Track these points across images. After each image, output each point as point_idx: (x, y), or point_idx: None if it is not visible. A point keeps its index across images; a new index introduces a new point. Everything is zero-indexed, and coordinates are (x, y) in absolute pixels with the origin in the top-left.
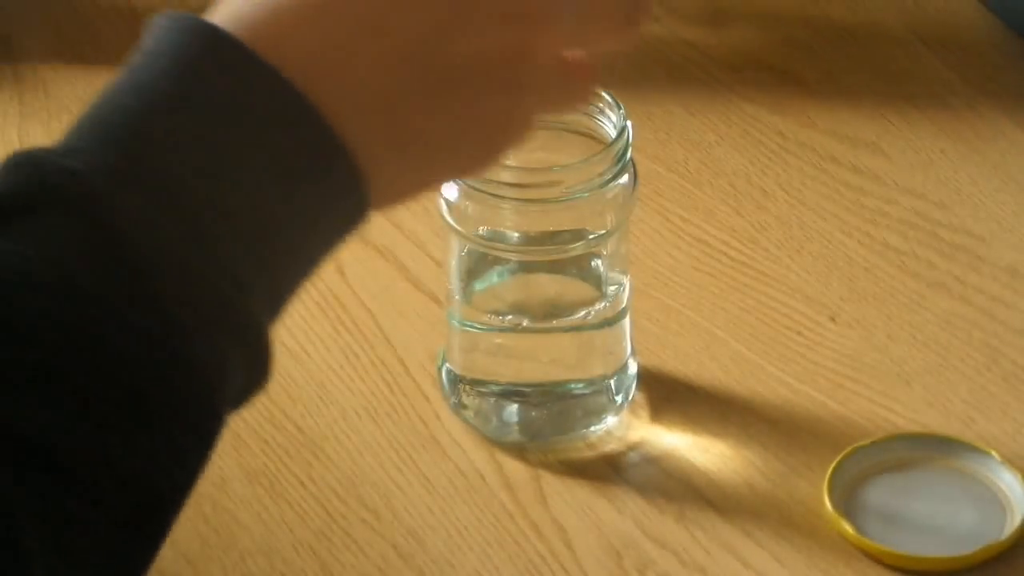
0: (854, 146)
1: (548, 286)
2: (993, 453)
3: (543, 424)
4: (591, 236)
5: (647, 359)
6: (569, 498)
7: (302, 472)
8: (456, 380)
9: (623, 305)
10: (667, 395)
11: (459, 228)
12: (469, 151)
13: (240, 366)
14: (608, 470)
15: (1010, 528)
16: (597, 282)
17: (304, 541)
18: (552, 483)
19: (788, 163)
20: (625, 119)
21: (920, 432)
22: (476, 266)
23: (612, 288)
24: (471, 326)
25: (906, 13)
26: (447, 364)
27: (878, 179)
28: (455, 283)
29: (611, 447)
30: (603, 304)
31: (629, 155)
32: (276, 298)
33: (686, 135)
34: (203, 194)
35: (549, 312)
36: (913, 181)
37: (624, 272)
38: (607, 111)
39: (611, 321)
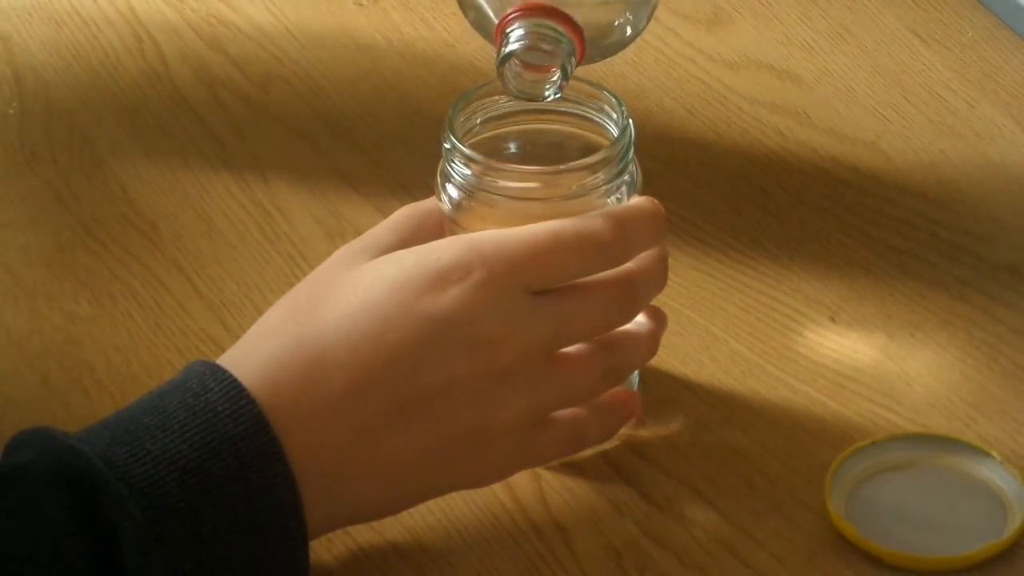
0: (854, 146)
1: None
2: (993, 453)
3: None
4: None
5: None
6: (569, 498)
7: None
8: None
9: None
10: (667, 395)
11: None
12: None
13: None
14: (608, 470)
15: (1010, 528)
16: None
17: None
18: (552, 483)
19: (788, 163)
20: (627, 118)
21: (920, 432)
22: None
23: None
24: None
25: (906, 13)
26: None
27: (878, 179)
28: None
29: (611, 447)
30: None
31: (631, 155)
32: None
33: (686, 135)
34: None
35: None
36: (913, 181)
37: None
38: (608, 110)
39: None
